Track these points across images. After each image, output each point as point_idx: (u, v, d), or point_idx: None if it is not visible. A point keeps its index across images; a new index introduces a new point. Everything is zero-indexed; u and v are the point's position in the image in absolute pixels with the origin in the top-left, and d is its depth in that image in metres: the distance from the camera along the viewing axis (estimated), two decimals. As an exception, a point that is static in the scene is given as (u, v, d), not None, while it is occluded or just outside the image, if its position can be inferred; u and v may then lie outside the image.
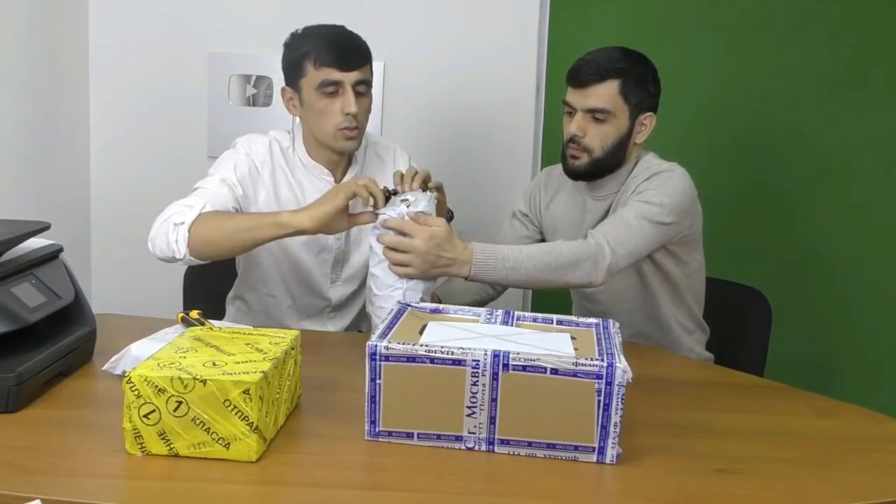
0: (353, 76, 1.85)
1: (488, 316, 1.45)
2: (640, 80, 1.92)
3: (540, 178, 2.19)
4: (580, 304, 2.12)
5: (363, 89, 1.88)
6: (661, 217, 1.85)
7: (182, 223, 1.73)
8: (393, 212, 1.69)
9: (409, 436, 1.28)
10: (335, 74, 1.84)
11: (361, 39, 1.90)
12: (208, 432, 1.18)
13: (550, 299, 2.13)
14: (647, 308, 2.01)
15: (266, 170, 1.93)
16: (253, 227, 1.73)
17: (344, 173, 2.00)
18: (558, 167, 2.08)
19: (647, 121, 1.96)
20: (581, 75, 1.92)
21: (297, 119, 1.98)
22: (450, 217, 1.87)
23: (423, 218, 1.68)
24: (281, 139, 1.98)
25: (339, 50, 1.85)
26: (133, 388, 1.18)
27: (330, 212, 1.68)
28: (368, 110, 1.92)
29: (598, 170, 1.95)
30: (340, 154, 1.95)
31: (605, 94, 1.90)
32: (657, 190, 1.87)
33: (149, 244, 1.79)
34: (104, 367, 1.50)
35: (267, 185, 1.93)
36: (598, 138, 1.92)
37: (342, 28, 1.91)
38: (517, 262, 1.73)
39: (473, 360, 1.23)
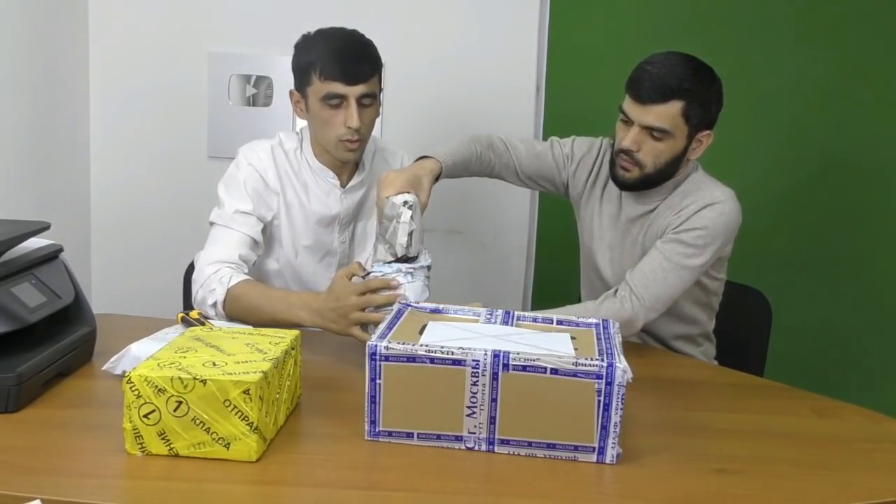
0: (359, 90, 1.83)
1: (488, 316, 1.45)
2: (705, 102, 1.82)
3: (582, 148, 2.06)
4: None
5: (368, 101, 1.86)
6: (699, 260, 1.83)
7: (215, 303, 1.78)
8: (382, 269, 1.65)
9: (409, 436, 1.28)
10: (340, 88, 1.82)
11: (371, 49, 1.87)
12: (208, 432, 1.18)
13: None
14: (676, 316, 1.99)
15: (271, 175, 1.93)
16: (282, 321, 1.72)
17: (350, 177, 2.00)
18: (596, 145, 2.04)
19: (704, 138, 1.86)
20: (643, 91, 1.80)
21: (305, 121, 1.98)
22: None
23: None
24: (287, 141, 1.97)
25: (346, 63, 1.82)
26: (133, 388, 1.18)
27: (338, 333, 1.69)
28: (373, 122, 1.91)
29: (648, 183, 1.89)
30: (344, 163, 1.96)
31: (667, 114, 1.79)
32: (703, 231, 1.82)
33: (194, 305, 1.85)
34: (104, 367, 1.50)
35: (277, 191, 1.93)
36: (651, 155, 1.84)
37: (353, 37, 1.87)
38: None
39: (473, 360, 1.23)
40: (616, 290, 1.85)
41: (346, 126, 1.84)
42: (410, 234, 1.65)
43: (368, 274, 1.66)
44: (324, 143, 1.91)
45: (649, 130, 1.82)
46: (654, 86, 1.79)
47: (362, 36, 1.89)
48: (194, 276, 1.85)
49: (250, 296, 1.77)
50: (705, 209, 1.85)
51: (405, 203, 1.66)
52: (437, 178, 1.85)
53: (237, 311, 1.78)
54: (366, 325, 1.64)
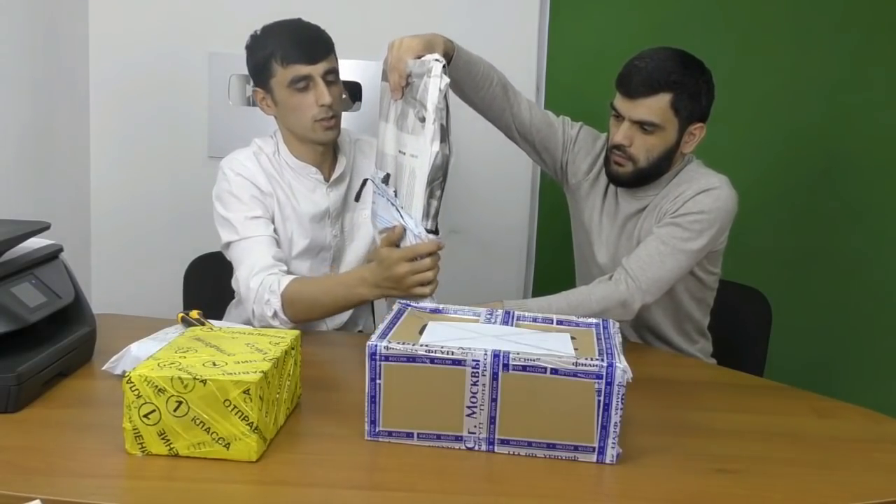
0: (321, 67, 1.87)
1: (488, 316, 1.45)
2: (694, 94, 1.83)
3: (588, 137, 2.06)
4: None
5: (332, 78, 1.90)
6: (696, 244, 1.84)
7: (275, 314, 1.78)
8: (409, 228, 1.65)
9: (409, 436, 1.28)
10: (304, 69, 1.86)
11: (322, 30, 1.92)
12: (208, 432, 1.18)
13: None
14: (672, 310, 2.00)
15: (261, 180, 1.93)
16: (346, 304, 1.80)
17: (331, 169, 2.00)
18: (601, 139, 2.03)
19: (697, 131, 1.88)
20: (632, 85, 1.81)
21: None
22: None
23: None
24: (265, 146, 1.98)
25: (303, 44, 1.86)
26: (133, 388, 1.18)
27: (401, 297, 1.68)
28: (341, 98, 1.95)
29: (642, 179, 1.90)
30: (324, 146, 1.97)
31: (656, 107, 1.81)
32: (700, 215, 1.83)
33: (253, 322, 1.83)
34: (104, 367, 1.50)
35: (270, 193, 1.94)
36: (643, 149, 1.85)
37: (301, 21, 1.92)
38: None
39: (473, 360, 1.23)
40: (611, 276, 1.85)
41: (319, 105, 1.87)
42: (445, 94, 1.57)
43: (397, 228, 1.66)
44: (299, 130, 1.92)
45: (640, 124, 1.83)
46: (642, 80, 1.81)
47: (309, 22, 1.93)
48: (242, 297, 1.84)
49: (306, 292, 1.77)
50: (701, 194, 1.86)
51: (436, 60, 1.59)
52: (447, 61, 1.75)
53: (299, 312, 1.78)
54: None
